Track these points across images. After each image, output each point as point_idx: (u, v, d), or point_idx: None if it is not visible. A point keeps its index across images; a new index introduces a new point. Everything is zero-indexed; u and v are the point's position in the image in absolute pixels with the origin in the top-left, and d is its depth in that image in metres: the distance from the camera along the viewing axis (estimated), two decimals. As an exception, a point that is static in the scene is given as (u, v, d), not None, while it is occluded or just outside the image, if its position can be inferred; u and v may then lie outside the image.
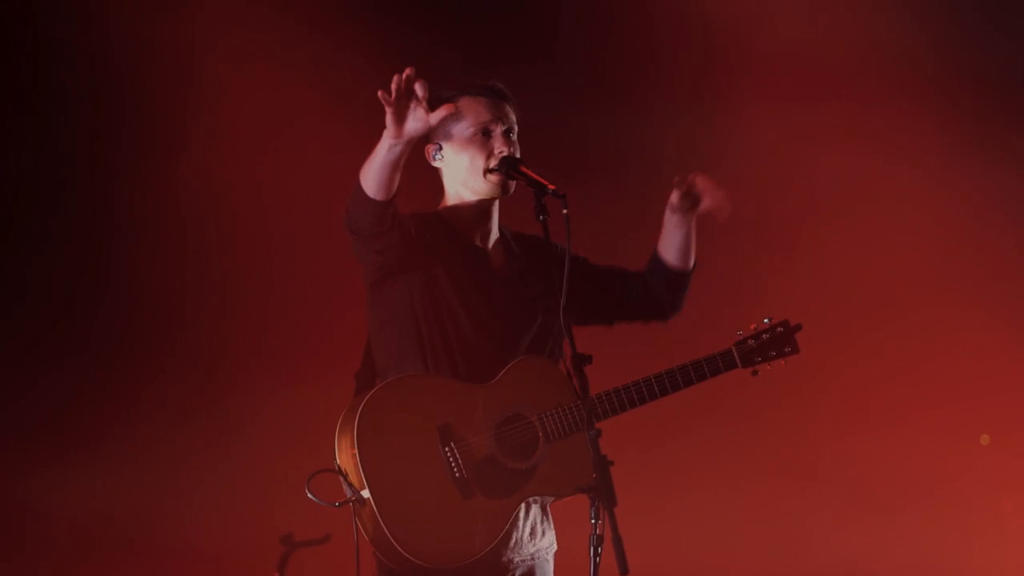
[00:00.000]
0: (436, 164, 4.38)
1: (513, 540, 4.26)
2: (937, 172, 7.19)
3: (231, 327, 6.91)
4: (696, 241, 4.50)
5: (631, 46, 7.10)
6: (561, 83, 7.12)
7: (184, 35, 6.79)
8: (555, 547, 4.42)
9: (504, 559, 4.27)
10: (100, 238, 6.85)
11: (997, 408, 7.16)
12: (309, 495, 4.08)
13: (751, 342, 4.40)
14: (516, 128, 4.37)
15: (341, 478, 4.11)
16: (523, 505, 4.23)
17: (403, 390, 4.18)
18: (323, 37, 6.85)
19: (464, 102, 4.32)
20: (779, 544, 7.15)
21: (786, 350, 4.43)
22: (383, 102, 3.92)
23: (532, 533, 4.31)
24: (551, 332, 4.36)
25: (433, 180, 4.45)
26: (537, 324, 4.34)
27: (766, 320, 4.43)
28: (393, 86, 3.90)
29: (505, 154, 4.29)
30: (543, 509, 4.36)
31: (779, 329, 4.43)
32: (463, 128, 4.31)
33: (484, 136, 4.31)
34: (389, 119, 3.94)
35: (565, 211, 4.03)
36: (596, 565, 3.83)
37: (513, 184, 4.32)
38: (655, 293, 4.52)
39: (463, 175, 4.33)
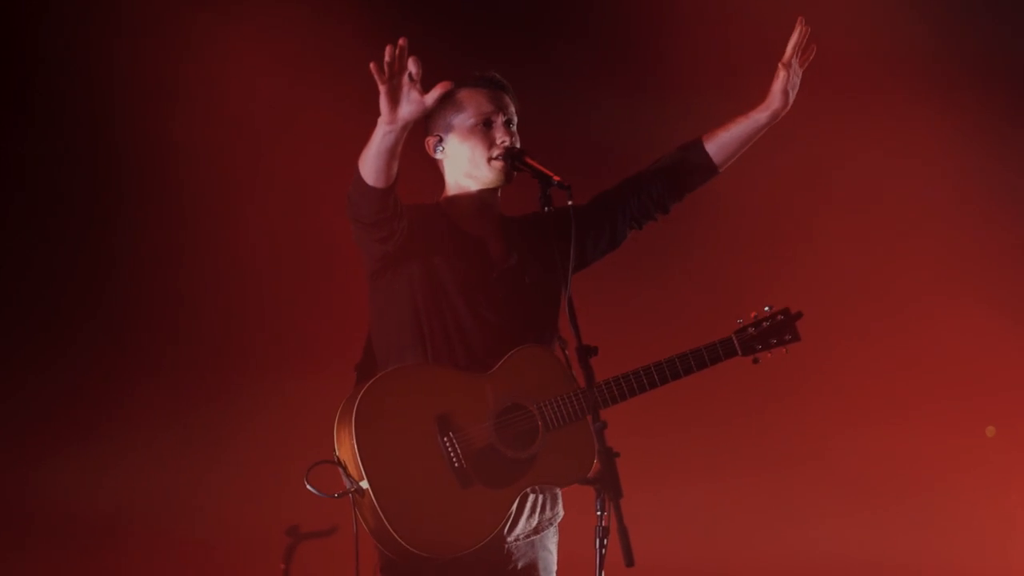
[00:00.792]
0: (438, 156, 4.39)
1: (514, 521, 4.25)
2: (945, 167, 7.18)
3: (235, 319, 6.92)
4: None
5: (642, 37, 7.09)
6: (571, 73, 7.11)
7: (183, 33, 6.78)
8: (560, 516, 4.40)
9: (506, 547, 4.26)
10: (101, 231, 6.84)
11: (1004, 401, 7.15)
12: (308, 487, 4.07)
13: (751, 330, 4.39)
14: (516, 119, 4.37)
15: (340, 469, 4.10)
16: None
17: (401, 380, 4.17)
18: (322, 31, 6.84)
19: (464, 93, 4.33)
20: (784, 536, 7.14)
21: (787, 338, 4.41)
22: (376, 77, 3.87)
23: (533, 510, 4.30)
24: (551, 322, 4.36)
25: (434, 172, 4.44)
26: (537, 314, 4.34)
27: (767, 308, 4.42)
28: (386, 58, 3.85)
29: (507, 144, 4.29)
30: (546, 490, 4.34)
31: (779, 317, 4.41)
32: (464, 119, 4.32)
33: (485, 127, 4.32)
34: (383, 102, 3.90)
35: (570, 202, 4.04)
36: (602, 557, 3.84)
37: (516, 173, 4.32)
38: (662, 186, 4.47)
39: (466, 165, 4.33)
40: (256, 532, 6.70)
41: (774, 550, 7.13)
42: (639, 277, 6.92)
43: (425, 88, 3.92)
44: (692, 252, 7.09)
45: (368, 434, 4.07)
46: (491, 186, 4.35)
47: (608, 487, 3.83)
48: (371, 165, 4.03)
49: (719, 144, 4.47)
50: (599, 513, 3.86)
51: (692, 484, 7.12)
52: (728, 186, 4.55)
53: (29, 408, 6.71)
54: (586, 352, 3.94)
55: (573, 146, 6.91)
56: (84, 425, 6.77)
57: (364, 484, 4.05)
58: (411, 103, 3.91)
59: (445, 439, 4.11)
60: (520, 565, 4.30)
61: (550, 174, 4.11)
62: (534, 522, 4.31)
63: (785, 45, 4.44)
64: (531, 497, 4.28)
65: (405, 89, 3.89)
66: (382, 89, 3.89)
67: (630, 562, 3.76)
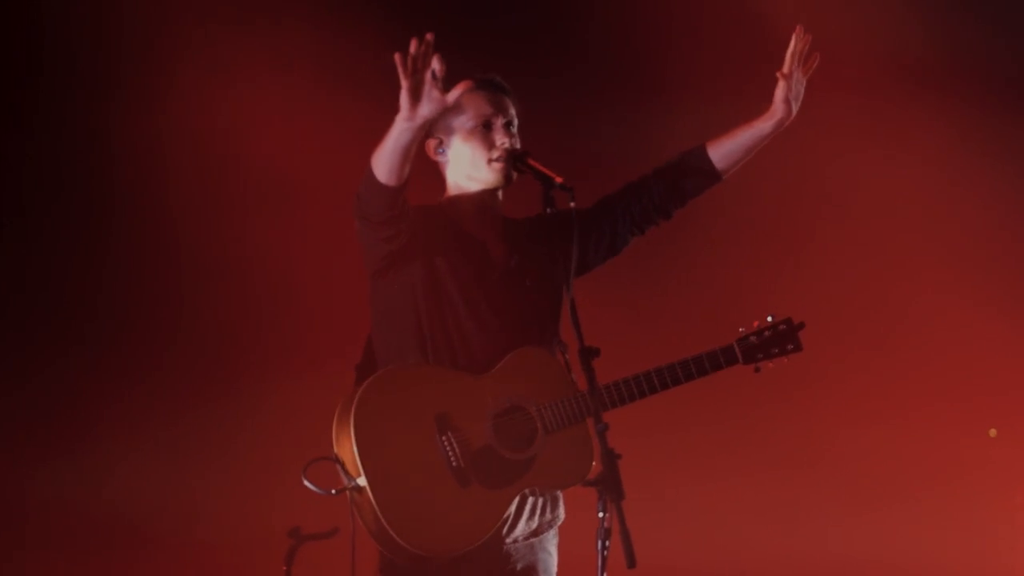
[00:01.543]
0: (438, 158, 4.40)
1: (513, 523, 4.26)
2: (945, 169, 7.18)
3: (237, 319, 6.92)
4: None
5: (647, 42, 7.10)
6: (575, 78, 7.12)
7: (184, 33, 6.78)
8: (561, 519, 4.40)
9: (504, 546, 4.27)
10: (100, 230, 6.84)
11: (1006, 402, 7.15)
12: (306, 483, 4.08)
13: (753, 339, 4.39)
14: (516, 121, 4.38)
15: (338, 467, 4.10)
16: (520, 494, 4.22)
17: (401, 379, 4.18)
18: (327, 34, 6.85)
19: (464, 96, 4.32)
20: (786, 537, 7.14)
21: (788, 347, 4.42)
22: (400, 70, 3.85)
23: (533, 512, 4.30)
24: (551, 324, 4.36)
25: (436, 174, 4.45)
26: (537, 316, 4.34)
27: (769, 318, 4.43)
28: (411, 51, 3.83)
29: (507, 145, 4.30)
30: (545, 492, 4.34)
31: (782, 327, 4.42)
32: (464, 121, 4.33)
33: (485, 129, 4.33)
34: (404, 96, 3.89)
35: (572, 204, 4.04)
36: (604, 559, 3.84)
37: (516, 174, 4.32)
38: (665, 191, 4.46)
39: (466, 167, 4.35)
40: (258, 534, 6.69)
41: (777, 552, 7.13)
42: (641, 280, 6.93)
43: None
44: (694, 255, 7.10)
45: (366, 432, 4.08)
46: (491, 187, 4.37)
47: (610, 488, 3.82)
48: (385, 162, 4.03)
49: (723, 151, 4.46)
50: (601, 515, 3.85)
51: (695, 485, 7.12)
52: (730, 189, 4.56)
53: (29, 409, 6.71)
54: (588, 353, 3.94)
55: (576, 150, 6.91)
56: (84, 426, 6.77)
57: (362, 481, 4.05)
58: (432, 101, 3.89)
59: (444, 438, 4.12)
60: (519, 567, 4.30)
61: (552, 176, 4.11)
62: (534, 524, 4.31)
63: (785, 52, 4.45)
64: (531, 499, 4.28)
65: (427, 86, 3.88)
66: (404, 84, 3.87)
67: (632, 564, 3.77)
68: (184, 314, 6.88)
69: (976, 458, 7.13)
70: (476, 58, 4.48)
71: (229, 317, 6.90)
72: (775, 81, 4.42)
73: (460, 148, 4.34)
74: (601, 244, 4.48)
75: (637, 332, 6.90)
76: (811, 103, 4.53)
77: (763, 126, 4.44)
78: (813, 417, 7.17)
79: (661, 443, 6.94)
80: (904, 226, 7.24)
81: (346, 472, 4.09)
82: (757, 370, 4.41)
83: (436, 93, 3.89)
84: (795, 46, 4.42)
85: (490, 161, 4.32)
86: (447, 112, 4.28)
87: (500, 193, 4.40)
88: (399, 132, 3.96)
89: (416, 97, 3.89)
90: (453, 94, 3.91)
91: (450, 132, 4.35)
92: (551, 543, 4.39)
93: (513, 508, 4.21)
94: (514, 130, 4.36)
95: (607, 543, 3.84)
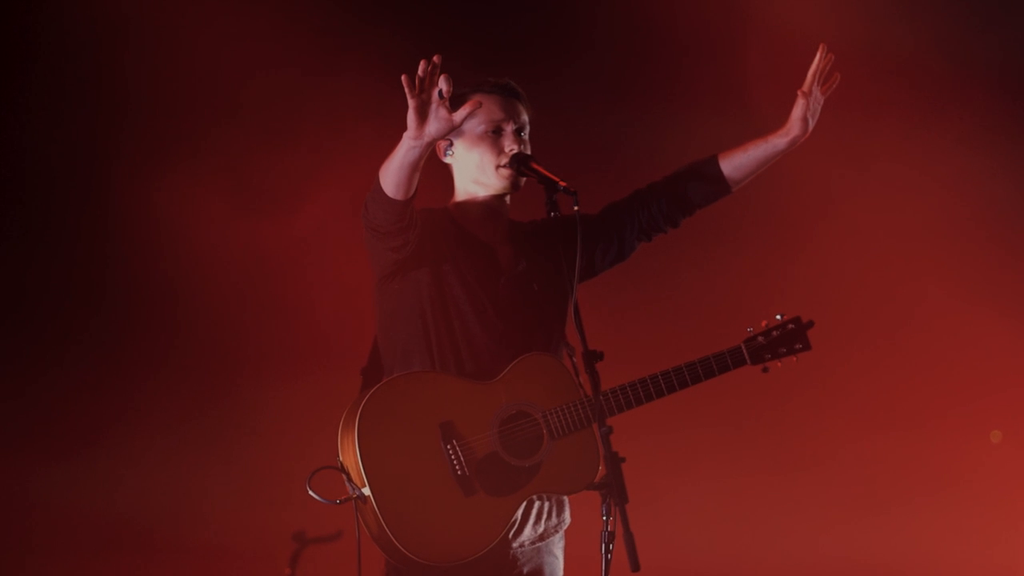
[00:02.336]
0: (447, 160, 4.40)
1: (519, 528, 4.24)
2: (950, 172, 7.18)
3: (244, 324, 6.92)
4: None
5: (660, 49, 7.09)
6: (587, 84, 7.11)
7: (195, 41, 6.79)
8: (567, 523, 4.38)
9: (511, 551, 4.25)
10: (104, 235, 6.84)
11: (1014, 406, 7.14)
12: (310, 492, 4.07)
13: (761, 339, 4.37)
14: (528, 127, 4.38)
15: (344, 476, 4.10)
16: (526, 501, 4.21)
17: (405, 388, 4.16)
18: (338, 40, 6.85)
19: (477, 98, 4.33)
20: (790, 541, 7.14)
21: (797, 347, 4.39)
22: (407, 90, 3.87)
23: (539, 516, 4.29)
24: (557, 329, 4.36)
25: (446, 176, 4.45)
26: (544, 320, 4.33)
27: (778, 316, 4.41)
28: (419, 72, 3.86)
29: (516, 151, 4.29)
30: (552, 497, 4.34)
31: (790, 326, 4.40)
32: (475, 125, 4.32)
33: (495, 134, 4.32)
34: (411, 116, 3.91)
35: (576, 207, 4.04)
36: (608, 562, 3.84)
37: (523, 179, 4.32)
38: (673, 200, 4.45)
39: (474, 172, 4.34)
40: (262, 537, 6.69)
41: (781, 555, 7.12)
42: (647, 284, 6.92)
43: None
44: (700, 259, 7.09)
45: (371, 441, 4.06)
46: (499, 193, 4.36)
47: (614, 492, 3.82)
48: (392, 178, 4.04)
49: (735, 164, 4.44)
50: (605, 518, 3.85)
51: (699, 489, 7.12)
52: (737, 193, 4.54)
53: (36, 413, 6.72)
54: (592, 357, 3.95)
55: (587, 156, 6.91)
56: (92, 431, 6.77)
57: (366, 491, 4.04)
58: (439, 120, 3.92)
59: (448, 447, 4.11)
60: (525, 571, 4.28)
61: (556, 179, 4.11)
62: (540, 529, 4.30)
63: (806, 66, 4.43)
64: (537, 504, 4.27)
65: (434, 106, 3.90)
66: (411, 104, 3.89)
67: (636, 567, 3.76)
68: (192, 318, 6.88)
69: (982, 462, 7.12)
70: (486, 61, 4.48)
71: (236, 322, 6.90)
72: (791, 94, 4.40)
73: (469, 152, 4.34)
74: (609, 250, 4.48)
75: (643, 335, 6.90)
76: (823, 110, 4.51)
77: (777, 142, 4.42)
78: (817, 420, 7.16)
79: (666, 447, 6.93)
80: (909, 231, 7.23)
81: (351, 482, 4.08)
82: (765, 370, 4.39)
83: (443, 112, 3.91)
84: (817, 64, 4.40)
85: (498, 167, 4.31)
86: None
87: (508, 199, 4.40)
88: (406, 150, 3.98)
89: (423, 116, 3.91)
90: (460, 113, 3.93)
91: (460, 135, 4.33)
92: (557, 547, 4.38)
93: (519, 514, 4.20)
94: (525, 136, 4.36)
95: (611, 546, 3.84)
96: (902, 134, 7.17)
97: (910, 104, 7.15)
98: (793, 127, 4.40)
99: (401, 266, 4.25)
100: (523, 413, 4.18)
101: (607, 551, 3.84)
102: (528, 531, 4.27)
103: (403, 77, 3.87)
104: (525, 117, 4.38)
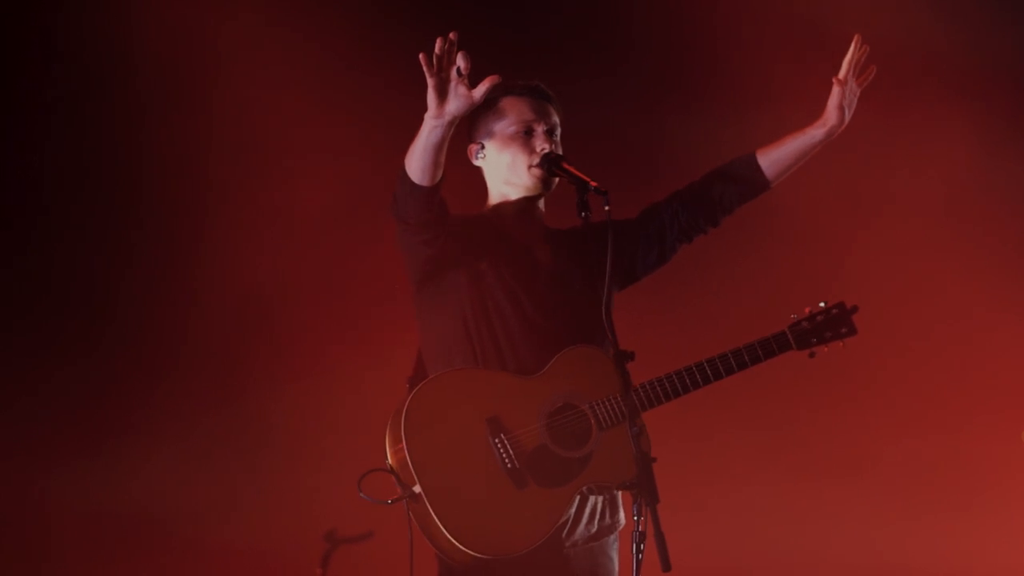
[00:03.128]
0: (478, 163, 4.42)
1: (572, 526, 4.24)
2: (999, 179, 7.14)
3: (266, 320, 6.91)
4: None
5: (700, 49, 7.08)
6: (624, 84, 7.10)
7: (209, 45, 6.80)
8: (622, 524, 4.37)
9: (564, 549, 4.25)
10: (125, 234, 6.83)
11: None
12: (362, 495, 4.08)
13: (805, 324, 4.37)
14: (559, 128, 4.39)
15: (393, 476, 4.10)
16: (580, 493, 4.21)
17: (449, 385, 4.18)
18: (363, 39, 6.85)
19: (507, 101, 4.36)
20: (823, 543, 7.10)
21: (843, 331, 4.38)
22: (425, 69, 3.88)
23: (592, 515, 4.29)
24: (599, 324, 4.35)
25: (478, 186, 4.45)
26: (585, 317, 4.32)
27: (822, 304, 4.40)
28: (436, 50, 3.87)
29: (547, 151, 4.29)
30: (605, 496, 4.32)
31: (835, 311, 4.39)
32: (505, 126, 4.34)
33: (526, 135, 4.34)
34: (431, 95, 3.92)
35: (607, 207, 4.04)
36: (639, 562, 3.83)
37: (556, 180, 4.33)
38: (713, 199, 4.45)
39: (505, 173, 4.35)
40: (293, 536, 6.70)
41: (815, 559, 7.08)
42: (682, 283, 6.90)
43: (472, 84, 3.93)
44: (736, 257, 7.06)
45: (418, 439, 4.08)
46: (531, 194, 4.38)
47: (645, 492, 3.82)
48: (417, 161, 4.05)
49: (772, 159, 4.44)
50: (636, 518, 3.85)
51: (733, 490, 7.09)
52: (770, 192, 4.53)
53: (53, 411, 6.69)
54: (622, 358, 3.94)
55: (624, 158, 6.90)
56: (109, 428, 6.72)
57: (417, 488, 4.05)
58: (459, 98, 3.93)
59: (496, 441, 4.12)
60: (579, 571, 4.28)
61: (587, 179, 4.11)
62: (593, 528, 4.29)
63: (839, 61, 4.42)
64: (590, 503, 4.27)
65: (453, 83, 3.91)
66: (430, 82, 3.91)
67: (667, 567, 3.76)
68: (211, 314, 6.88)
69: (1017, 465, 7.07)
70: (516, 63, 4.48)
71: (258, 318, 6.90)
72: (828, 88, 4.39)
73: (500, 153, 4.35)
74: (650, 254, 4.48)
75: (679, 333, 6.88)
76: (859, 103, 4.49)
77: (815, 133, 4.42)
78: (855, 424, 7.13)
79: (701, 447, 6.92)
80: (954, 233, 7.18)
81: (401, 481, 4.09)
82: (812, 355, 4.38)
83: (463, 89, 3.92)
84: (853, 54, 4.41)
85: (530, 167, 4.32)
86: (488, 117, 4.33)
87: (542, 203, 4.41)
88: (429, 130, 3.99)
89: (443, 95, 3.92)
90: (480, 89, 3.93)
91: (490, 136, 4.36)
92: (612, 548, 4.37)
93: (573, 510, 4.20)
94: (556, 137, 4.37)
95: (642, 546, 3.84)
96: (953, 132, 7.12)
97: (936, 104, 7.12)
98: (830, 116, 4.40)
99: (436, 265, 4.26)
100: (569, 405, 4.19)
101: (638, 551, 3.84)
102: (581, 529, 4.27)
103: (421, 56, 3.89)
104: (556, 119, 4.39)
